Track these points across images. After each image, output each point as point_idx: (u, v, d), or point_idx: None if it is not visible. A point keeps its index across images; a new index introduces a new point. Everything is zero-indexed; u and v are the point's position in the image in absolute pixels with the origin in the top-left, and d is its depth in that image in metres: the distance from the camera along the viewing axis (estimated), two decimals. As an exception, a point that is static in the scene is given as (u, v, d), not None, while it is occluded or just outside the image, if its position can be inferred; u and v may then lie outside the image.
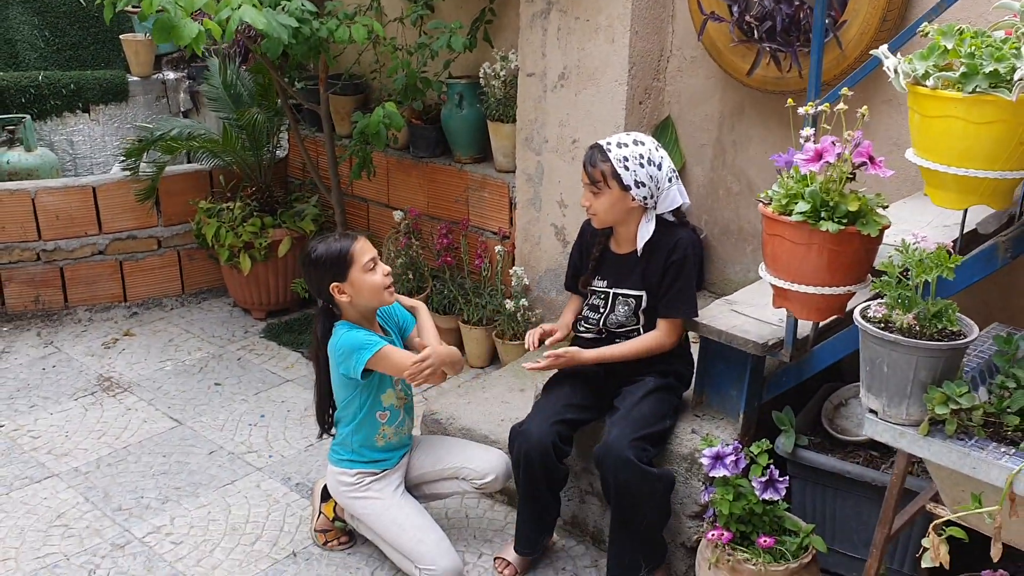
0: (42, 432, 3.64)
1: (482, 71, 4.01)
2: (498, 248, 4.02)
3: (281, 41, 2.89)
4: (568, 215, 3.80)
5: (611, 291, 2.78)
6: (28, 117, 4.99)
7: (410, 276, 4.21)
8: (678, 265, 2.66)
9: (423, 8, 3.93)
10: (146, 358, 4.26)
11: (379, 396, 2.81)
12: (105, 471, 3.39)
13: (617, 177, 2.60)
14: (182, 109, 5.80)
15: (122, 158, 4.54)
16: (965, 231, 2.41)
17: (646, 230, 2.67)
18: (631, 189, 2.61)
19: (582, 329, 2.86)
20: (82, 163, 5.58)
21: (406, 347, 2.92)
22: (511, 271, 3.94)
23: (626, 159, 2.60)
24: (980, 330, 1.88)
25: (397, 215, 4.25)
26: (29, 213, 4.49)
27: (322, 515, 2.99)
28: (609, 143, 2.63)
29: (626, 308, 2.75)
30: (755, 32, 3.18)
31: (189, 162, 4.92)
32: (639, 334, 2.78)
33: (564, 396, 2.82)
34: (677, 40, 3.63)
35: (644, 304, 2.74)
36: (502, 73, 3.95)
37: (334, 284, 2.71)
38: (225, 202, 4.57)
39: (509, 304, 3.89)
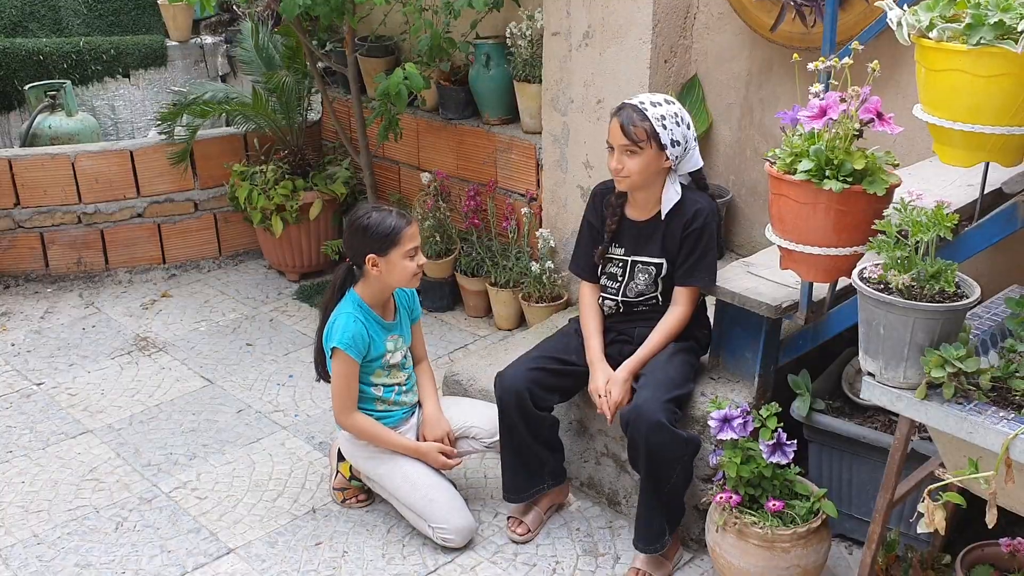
0: (79, 390, 3.75)
1: (508, 31, 3.97)
2: (525, 210, 4.00)
3: (297, 2, 2.89)
4: (594, 176, 3.76)
5: (629, 259, 2.75)
6: (68, 83, 5.09)
7: (438, 238, 4.22)
8: (697, 233, 2.63)
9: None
10: (182, 319, 4.34)
11: (368, 376, 2.87)
12: (137, 428, 3.49)
13: (656, 136, 2.56)
14: (220, 73, 5.86)
15: (159, 123, 4.61)
16: (989, 190, 2.33)
17: (672, 193, 2.64)
18: (667, 148, 2.57)
19: (600, 302, 2.84)
20: (123, 127, 5.69)
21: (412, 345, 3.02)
22: (537, 233, 3.92)
23: (663, 117, 2.56)
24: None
25: (425, 177, 4.26)
26: (69, 177, 4.59)
27: (339, 474, 3.04)
28: (643, 102, 2.59)
29: (646, 276, 2.72)
30: (780, -14, 3.09)
31: (227, 126, 4.97)
32: (657, 302, 2.76)
33: (550, 348, 2.84)
34: (704, -4, 3.55)
35: (664, 272, 2.71)
36: (528, 33, 3.91)
37: (371, 255, 2.76)
38: (259, 165, 4.62)
39: (535, 267, 3.88)
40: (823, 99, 2.06)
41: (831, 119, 2.02)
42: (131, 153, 4.64)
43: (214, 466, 3.26)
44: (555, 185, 3.94)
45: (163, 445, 3.38)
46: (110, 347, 4.09)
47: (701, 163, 2.73)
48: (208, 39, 5.87)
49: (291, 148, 4.65)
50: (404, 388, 2.95)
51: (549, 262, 3.89)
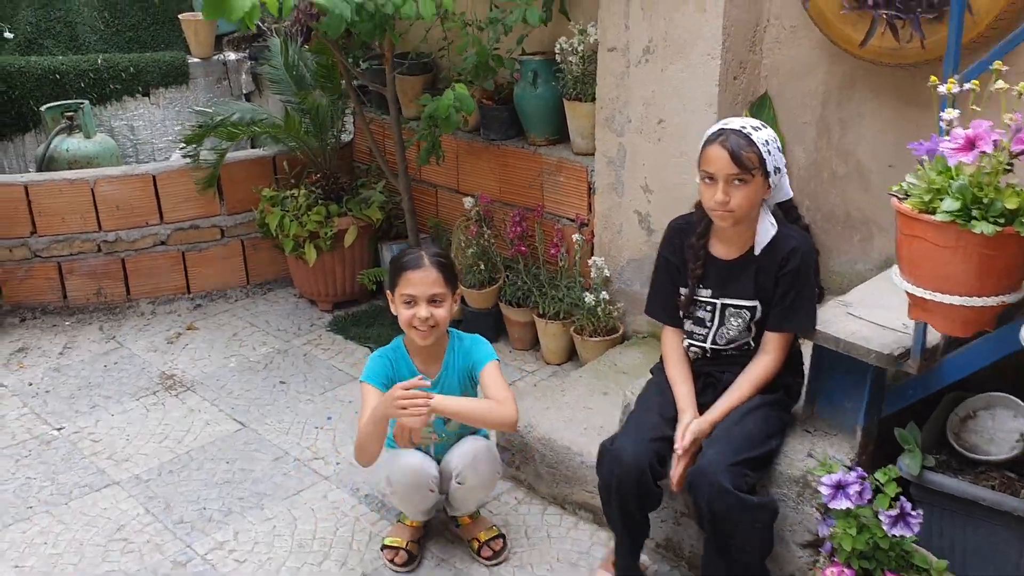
0: (103, 435, 3.50)
1: (558, 46, 3.71)
2: (576, 236, 3.74)
3: (343, 18, 2.64)
4: (654, 201, 3.50)
5: (719, 302, 2.48)
6: (87, 103, 4.85)
7: (481, 267, 3.96)
8: (795, 272, 2.36)
9: (496, -21, 3.63)
10: (210, 354, 4.09)
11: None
12: (167, 479, 3.23)
13: (763, 163, 2.30)
14: (244, 91, 5.62)
15: (182, 145, 4.36)
16: None
17: (767, 227, 2.37)
18: (770, 176, 2.31)
19: (686, 347, 2.57)
20: (143, 148, 5.44)
21: (482, 389, 2.68)
22: (590, 261, 3.66)
23: (767, 142, 2.31)
24: None
25: (467, 202, 4.00)
26: (89, 203, 4.35)
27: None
28: (744, 126, 2.32)
29: (739, 321, 2.45)
30: (869, -3, 2.82)
31: (253, 148, 4.73)
32: (749, 347, 2.48)
33: (660, 408, 2.54)
34: (775, 7, 3.28)
35: (758, 315, 2.44)
36: (580, 48, 3.65)
37: (388, 291, 2.67)
38: (289, 189, 4.37)
39: (589, 297, 3.61)
40: (969, 128, 1.79)
41: (982, 151, 1.75)
42: (154, 177, 4.40)
43: (252, 523, 2.99)
44: (609, 210, 3.67)
45: (196, 499, 3.12)
46: (134, 386, 3.84)
47: (791, 193, 2.47)
48: (231, 55, 5.62)
49: (323, 171, 4.40)
50: (437, 448, 2.73)
51: (604, 292, 3.63)
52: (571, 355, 3.87)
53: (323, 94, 4.02)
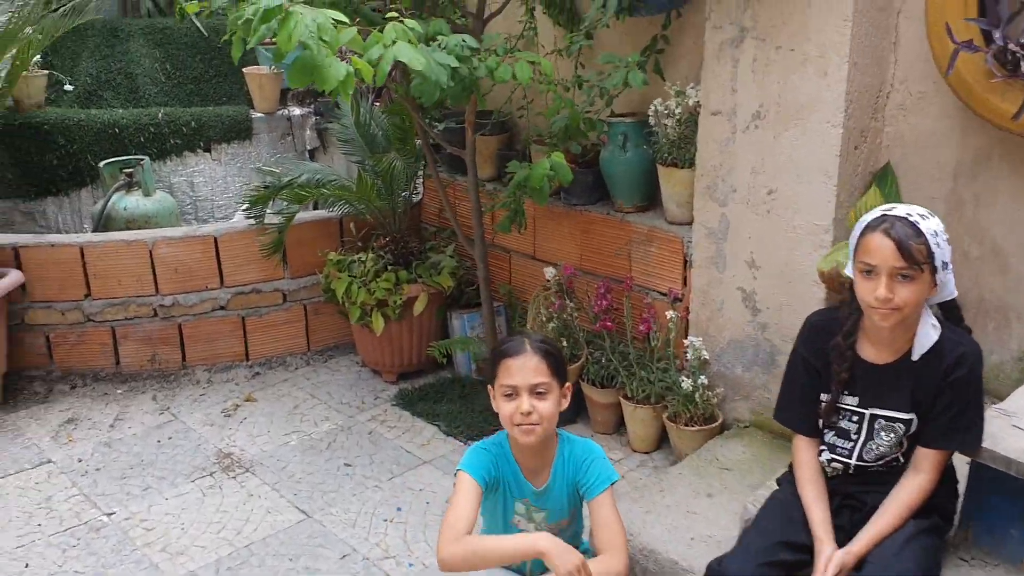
0: (156, 523, 3.23)
1: (652, 108, 3.45)
2: (669, 313, 3.43)
3: (439, 85, 2.39)
4: (760, 278, 3.19)
5: (867, 412, 2.16)
6: (146, 159, 4.66)
7: (563, 342, 3.66)
8: (961, 383, 2.04)
9: (584, 38, 3.38)
10: (269, 429, 3.82)
11: (491, 526, 2.34)
12: (225, 577, 2.95)
13: (931, 257, 2.00)
14: (308, 147, 5.42)
15: (245, 206, 4.15)
16: None
17: (929, 330, 2.06)
18: (937, 272, 2.01)
19: (823, 462, 2.24)
20: (203, 206, 5.25)
21: (592, 523, 2.31)
22: (685, 341, 3.35)
23: (936, 233, 2.01)
24: None
25: (549, 272, 3.72)
26: (146, 265, 4.14)
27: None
28: (909, 213, 2.02)
29: (891, 436, 2.13)
30: (1023, 65, 2.52)
31: (315, 208, 4.51)
32: (898, 463, 2.16)
33: (780, 529, 2.21)
34: (901, 72, 2.99)
35: (913, 429, 2.12)
36: (677, 111, 3.38)
37: (489, 384, 2.32)
38: (356, 253, 4.13)
39: (686, 382, 3.30)
40: None
41: None
42: (215, 239, 4.18)
43: (320, 636, 2.70)
44: (708, 285, 3.37)
45: (257, 603, 2.83)
46: (189, 466, 3.58)
47: (955, 292, 2.15)
48: (296, 111, 5.43)
49: (392, 234, 4.16)
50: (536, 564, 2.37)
51: (702, 376, 3.31)
52: (661, 442, 3.55)
53: (398, 156, 3.79)
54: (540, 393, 2.23)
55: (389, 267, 4.03)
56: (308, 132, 5.41)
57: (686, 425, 3.34)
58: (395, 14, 2.38)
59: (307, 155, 5.41)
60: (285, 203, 3.99)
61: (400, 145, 3.95)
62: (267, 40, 2.27)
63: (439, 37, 2.58)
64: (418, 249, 4.22)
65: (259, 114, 5.40)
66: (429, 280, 4.02)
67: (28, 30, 4.11)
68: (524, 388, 2.21)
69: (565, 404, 2.31)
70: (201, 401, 4.08)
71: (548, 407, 2.23)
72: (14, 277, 3.97)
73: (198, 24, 5.38)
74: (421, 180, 4.47)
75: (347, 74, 2.14)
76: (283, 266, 4.28)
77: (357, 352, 4.38)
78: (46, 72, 5.07)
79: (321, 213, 4.32)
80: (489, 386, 2.33)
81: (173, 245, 4.14)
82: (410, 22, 2.33)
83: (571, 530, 2.39)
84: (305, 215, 4.29)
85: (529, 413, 2.20)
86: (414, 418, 3.89)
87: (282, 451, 3.66)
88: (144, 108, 5.24)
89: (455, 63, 2.45)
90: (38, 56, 4.78)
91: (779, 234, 3.11)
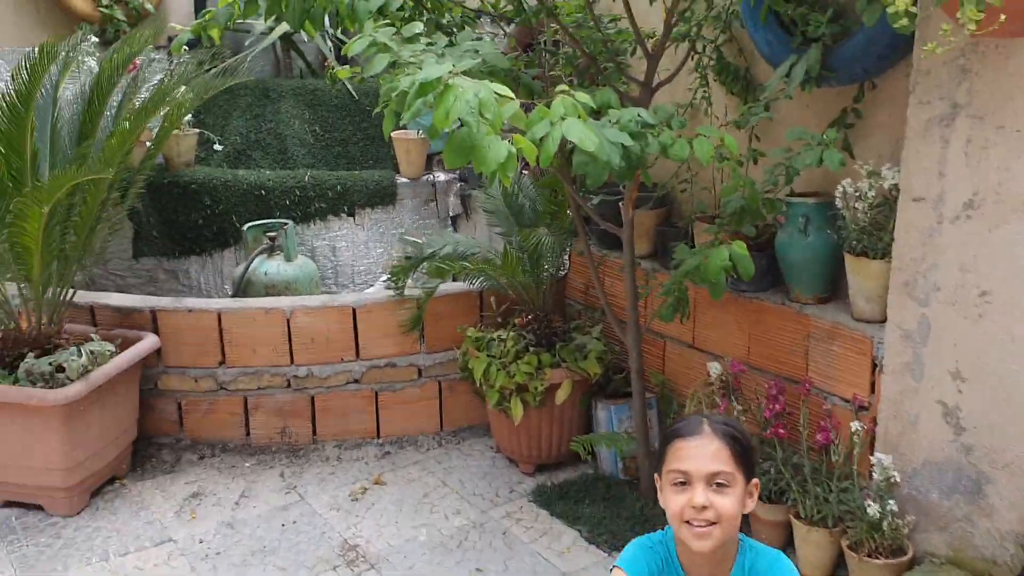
0: (274, 622, 2.98)
1: (840, 189, 3.05)
2: (854, 424, 2.98)
3: (610, 164, 2.08)
4: (967, 392, 2.72)
5: None
6: (290, 223, 4.55)
7: (725, 447, 3.25)
8: None
9: (763, 110, 3.03)
10: (397, 519, 3.55)
11: None
12: None
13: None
14: (451, 214, 5.23)
15: (385, 276, 3.95)
16: None
17: None
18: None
19: None
20: (343, 271, 5.11)
21: None
22: (872, 458, 2.90)
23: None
24: None
25: (713, 368, 3.33)
26: (283, 334, 3.98)
27: None
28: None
29: None
30: None
31: (454, 279, 4.27)
32: None
33: None
34: None
35: None
36: (870, 193, 2.97)
37: (656, 474, 1.94)
38: (496, 329, 3.86)
39: (872, 507, 2.84)
40: None
41: None
42: (353, 310, 3.99)
43: None
44: (901, 395, 2.91)
45: None
46: (313, 556, 3.33)
47: None
48: (441, 176, 5.26)
49: (536, 312, 3.86)
50: None
51: (891, 501, 2.84)
52: (835, 570, 3.08)
53: (548, 231, 3.51)
54: (720, 485, 1.82)
55: (531, 348, 3.74)
56: (452, 199, 5.22)
57: (869, 556, 2.87)
58: (566, 87, 2.09)
59: (449, 222, 5.22)
60: (426, 275, 3.76)
61: (550, 219, 3.68)
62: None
63: (610, 111, 2.28)
64: (562, 329, 3.91)
65: (404, 179, 5.24)
66: (574, 365, 3.70)
67: (181, 89, 4.06)
68: (699, 477, 1.81)
69: (751, 505, 1.89)
70: (329, 480, 3.86)
71: (729, 504, 1.81)
72: (150, 342, 3.88)
73: (349, 87, 5.30)
74: (568, 254, 4.18)
75: (508, 155, 1.87)
76: (420, 340, 4.05)
77: (492, 436, 4.09)
78: (197, 131, 5.08)
79: (461, 286, 4.07)
80: (656, 475, 1.94)
81: (311, 314, 3.98)
82: (581, 95, 2.04)
83: None
84: (444, 287, 4.05)
85: (704, 508, 1.79)
86: (552, 519, 3.54)
87: (410, 547, 3.37)
88: (291, 170, 5.17)
89: (628, 141, 2.14)
90: (189, 115, 4.77)
91: (993, 343, 2.65)
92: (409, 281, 3.94)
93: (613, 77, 3.01)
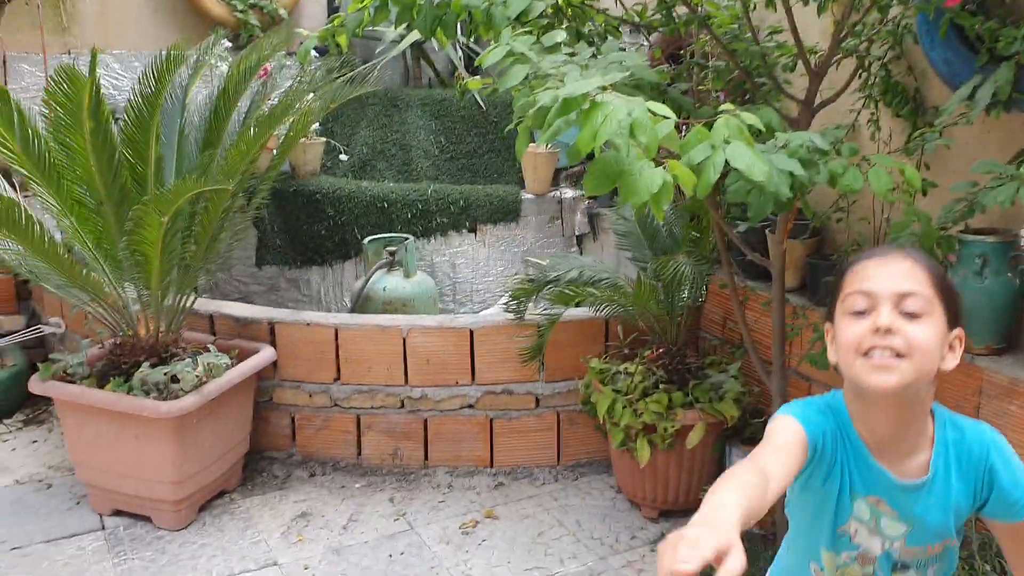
0: (375, 666, 2.80)
1: (1028, 229, 2.68)
2: (1033, 497, 2.60)
3: (779, 196, 1.81)
4: None
5: None
6: (410, 239, 4.41)
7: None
8: None
9: (938, 135, 2.69)
10: (510, 559, 3.33)
11: (807, 548, 1.57)
12: None
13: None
14: (576, 233, 5.00)
15: (505, 298, 3.75)
16: None
17: None
18: None
19: None
20: (462, 288, 4.95)
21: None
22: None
23: None
24: None
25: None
26: (398, 353, 3.83)
27: None
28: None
29: None
30: None
31: (578, 304, 4.04)
32: None
33: None
34: None
35: None
36: (1065, 234, 2.59)
37: (828, 321, 1.55)
38: (622, 361, 3.61)
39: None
40: None
41: None
42: (471, 332, 3.80)
43: None
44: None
45: None
46: (419, 593, 3.15)
47: None
48: (568, 193, 5.03)
49: (667, 346, 3.59)
50: None
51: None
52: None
53: (687, 260, 3.23)
54: (911, 315, 1.39)
55: (661, 385, 3.47)
56: (579, 217, 4.98)
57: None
58: (729, 105, 1.83)
59: (575, 241, 4.99)
60: (549, 301, 3.54)
61: (691, 246, 3.40)
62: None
63: (776, 134, 2.00)
64: (696, 365, 3.62)
65: (529, 195, 5.04)
66: (708, 407, 3.41)
67: (308, 96, 3.97)
68: (886, 297, 1.40)
69: (952, 361, 1.45)
70: (439, 509, 3.67)
71: (924, 334, 1.38)
72: (266, 354, 3.78)
73: (478, 98, 5.14)
74: (705, 285, 3.88)
75: (663, 184, 1.61)
76: (539, 368, 3.83)
77: (613, 473, 3.83)
78: (324, 140, 5.00)
79: (585, 312, 3.83)
80: (827, 323, 1.53)
81: (428, 334, 3.81)
82: (746, 115, 1.77)
83: (938, 567, 1.54)
84: (568, 312, 3.81)
85: (890, 332, 1.37)
86: None
87: (522, 591, 3.15)
88: (414, 182, 5.04)
89: (799, 169, 1.86)
90: (317, 124, 4.70)
91: None
92: (530, 305, 3.73)
93: (771, 95, 2.72)
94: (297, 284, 5.06)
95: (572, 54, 2.17)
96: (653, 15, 2.93)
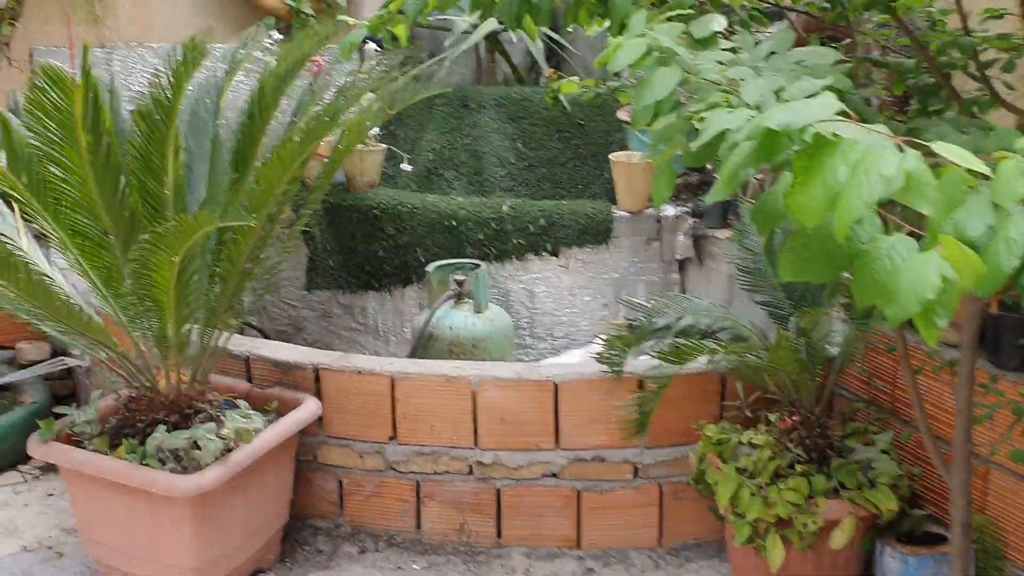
0: None
1: None
2: None
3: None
4: None
5: None
6: (482, 267, 3.73)
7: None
8: None
9: None
10: None
11: None
12: None
13: None
14: (678, 257, 4.27)
15: (597, 343, 3.07)
16: None
17: None
18: None
19: None
20: (541, 321, 4.26)
21: None
22: None
23: None
24: None
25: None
26: (467, 409, 3.18)
27: None
28: None
29: None
30: None
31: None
32: None
33: None
34: None
35: None
36: None
37: None
38: (744, 426, 2.91)
39: None
40: None
41: None
42: (556, 386, 3.14)
43: None
44: None
45: None
46: None
47: None
48: (669, 210, 4.30)
49: (803, 412, 2.86)
50: None
51: None
52: None
53: (844, 315, 2.51)
54: None
55: (797, 463, 2.75)
56: (681, 238, 4.24)
57: None
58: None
59: (675, 266, 4.26)
60: (658, 359, 2.83)
61: (847, 293, 2.66)
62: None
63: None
64: (838, 437, 2.89)
65: (622, 212, 4.32)
66: (858, 496, 2.68)
67: (367, 97, 3.32)
68: None
69: None
70: (514, 605, 3.01)
71: None
72: (309, 409, 3.17)
73: (562, 100, 4.44)
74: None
75: (944, 284, 0.91)
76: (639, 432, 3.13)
77: (725, 559, 3.12)
78: (384, 147, 4.37)
79: (697, 364, 3.11)
80: None
81: (503, 388, 3.15)
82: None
83: None
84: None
85: None
86: None
87: None
88: (487, 195, 4.38)
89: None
90: (376, 128, 4.06)
91: None
92: (628, 359, 3.03)
93: (983, 105, 1.97)
94: (352, 311, 4.45)
95: (730, 49, 1.47)
96: (816, -3, 2.20)
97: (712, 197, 1.17)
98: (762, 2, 2.30)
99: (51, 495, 3.70)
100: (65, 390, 4.33)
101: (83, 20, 4.52)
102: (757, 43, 1.58)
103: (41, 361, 4.14)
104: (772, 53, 1.42)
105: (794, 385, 2.87)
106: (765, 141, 0.97)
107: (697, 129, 1.22)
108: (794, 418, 2.89)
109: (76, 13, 4.48)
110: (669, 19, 1.36)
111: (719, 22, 1.41)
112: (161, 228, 2.27)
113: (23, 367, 4.17)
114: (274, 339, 4.47)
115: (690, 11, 1.50)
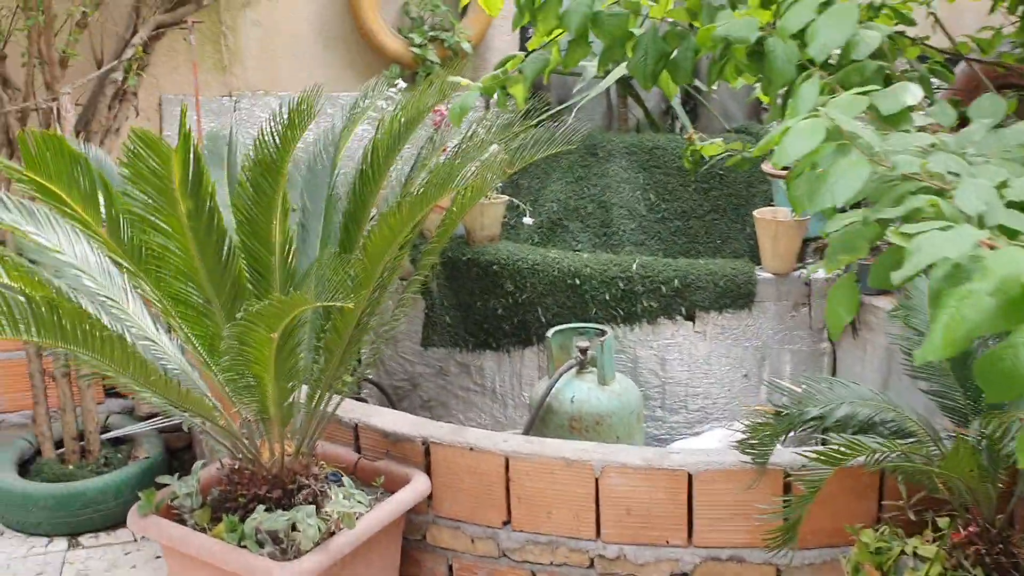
0: None
1: None
2: None
3: None
4: None
5: None
6: (609, 334, 3.42)
7: None
8: None
9: None
10: None
11: None
12: None
13: None
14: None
15: (739, 434, 2.72)
16: None
17: None
18: None
19: None
20: (673, 392, 3.91)
21: None
22: None
23: None
24: None
25: None
26: (589, 496, 2.88)
27: None
28: None
29: None
30: None
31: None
32: None
33: None
34: None
35: None
36: None
37: None
38: (907, 532, 2.51)
39: None
40: None
41: None
42: (689, 476, 2.81)
43: None
44: None
45: None
46: None
47: None
48: (820, 273, 3.91)
49: (980, 523, 2.44)
50: None
51: None
52: None
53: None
54: None
55: (975, 586, 2.33)
56: (832, 304, 3.84)
57: None
58: None
59: (825, 335, 3.85)
60: (812, 461, 2.46)
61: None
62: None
63: None
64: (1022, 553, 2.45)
65: (766, 273, 3.94)
66: (1055, 633, 2.23)
67: (491, 149, 3.10)
68: None
69: None
70: None
71: None
72: (419, 488, 2.94)
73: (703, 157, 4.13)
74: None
75: None
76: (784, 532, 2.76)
77: None
78: (506, 199, 4.14)
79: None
80: None
81: (629, 475, 2.84)
82: None
83: None
84: (829, 457, 2.73)
85: None
86: None
87: None
88: (615, 250, 4.09)
89: None
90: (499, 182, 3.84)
91: None
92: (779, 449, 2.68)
93: None
94: (468, 370, 4.22)
95: (924, 129, 1.14)
96: (1013, 46, 1.83)
97: (925, 355, 0.86)
98: (942, 53, 1.95)
99: (159, 557, 3.61)
100: (180, 443, 4.28)
101: (210, 68, 4.50)
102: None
103: (157, 414, 4.09)
104: (995, 128, 1.09)
105: (969, 490, 2.45)
106: (1017, 300, 0.66)
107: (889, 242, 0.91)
108: (970, 528, 2.47)
109: (204, 61, 4.47)
110: (855, 90, 1.05)
111: (913, 93, 1.09)
112: (256, 306, 2.08)
113: (142, 419, 4.15)
114: (391, 394, 4.30)
115: (871, 79, 1.19)
